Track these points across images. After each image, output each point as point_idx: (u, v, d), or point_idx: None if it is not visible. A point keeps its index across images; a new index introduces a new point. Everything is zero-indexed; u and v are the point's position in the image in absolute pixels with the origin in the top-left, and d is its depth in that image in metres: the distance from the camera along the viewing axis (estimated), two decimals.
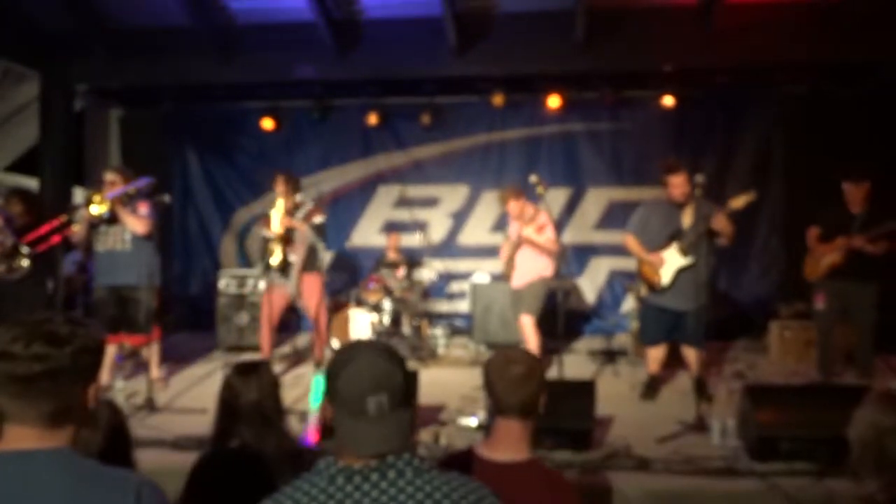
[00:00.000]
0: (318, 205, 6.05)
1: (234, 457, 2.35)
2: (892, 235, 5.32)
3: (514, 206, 5.92)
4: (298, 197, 6.10)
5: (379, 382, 1.44)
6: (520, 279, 5.97)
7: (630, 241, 5.42)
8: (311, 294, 5.94)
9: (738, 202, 4.92)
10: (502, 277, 6.34)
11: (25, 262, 5.49)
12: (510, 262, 6.00)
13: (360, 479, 1.39)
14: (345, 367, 1.47)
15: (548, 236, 5.84)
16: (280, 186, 5.94)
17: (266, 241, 5.94)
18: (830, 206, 5.69)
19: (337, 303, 7.46)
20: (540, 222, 5.84)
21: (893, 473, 1.83)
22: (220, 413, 2.44)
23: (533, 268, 5.90)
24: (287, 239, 5.87)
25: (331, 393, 1.48)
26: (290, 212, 5.87)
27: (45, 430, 1.40)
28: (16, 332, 1.39)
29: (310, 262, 5.93)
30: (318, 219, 5.93)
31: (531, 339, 5.85)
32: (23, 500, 1.34)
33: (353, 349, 1.53)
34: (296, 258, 5.88)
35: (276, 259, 5.85)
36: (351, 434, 1.43)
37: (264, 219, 6.05)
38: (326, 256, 8.64)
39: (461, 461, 1.96)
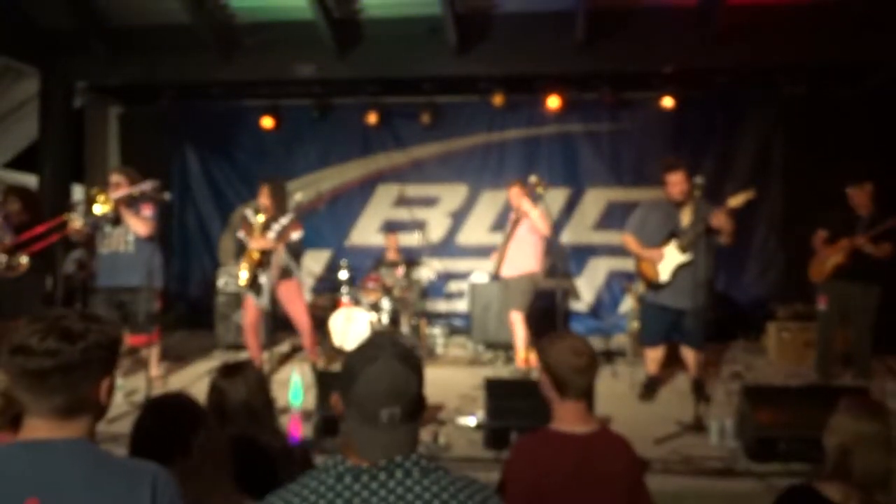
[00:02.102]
0: (296, 219, 5.77)
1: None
2: (891, 234, 5.32)
3: (515, 191, 6.11)
4: (297, 196, 6.05)
5: (395, 394, 1.43)
6: (509, 270, 6.12)
7: (629, 239, 5.43)
8: (291, 299, 5.87)
9: (737, 200, 4.93)
10: (494, 272, 6.40)
11: (24, 260, 5.49)
12: (501, 252, 6.16)
13: (367, 477, 1.40)
14: (364, 368, 1.45)
15: (541, 217, 5.95)
16: (263, 199, 5.71)
17: (242, 245, 5.78)
18: (836, 209, 5.69)
19: (335, 301, 7.46)
20: (539, 211, 6.00)
21: (875, 479, 1.83)
22: (209, 416, 2.44)
23: (522, 261, 6.05)
24: (259, 262, 5.67)
25: (346, 391, 1.47)
26: (268, 225, 5.67)
27: (60, 422, 1.43)
28: (34, 327, 1.42)
29: (283, 273, 5.77)
30: (296, 234, 5.73)
31: (519, 334, 5.95)
32: (40, 488, 1.36)
33: (375, 348, 1.49)
34: (266, 280, 5.66)
35: (243, 279, 5.68)
36: (360, 438, 1.44)
37: (244, 222, 5.84)
38: (323, 256, 8.68)
39: (540, 440, 2.20)
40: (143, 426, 1.99)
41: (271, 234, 5.66)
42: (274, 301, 5.80)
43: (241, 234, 5.83)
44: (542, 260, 6.21)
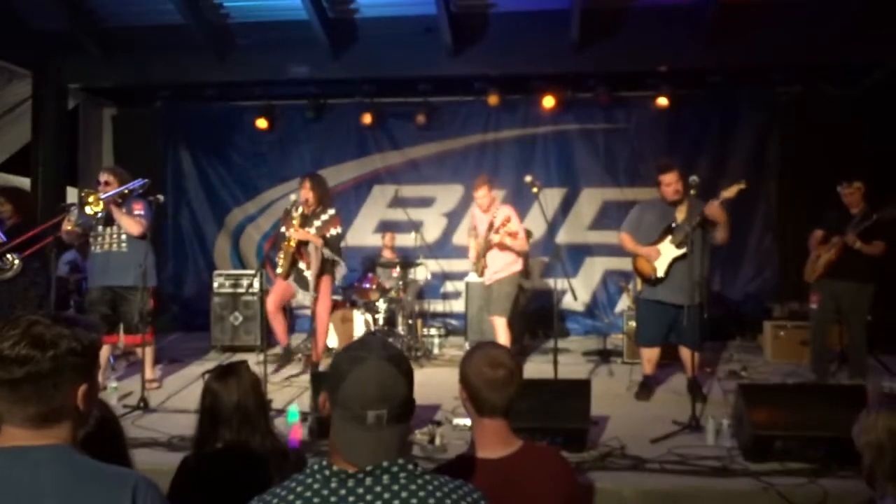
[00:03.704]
0: (336, 216, 5.79)
1: (218, 456, 2.34)
2: (884, 230, 5.32)
3: (482, 193, 5.97)
4: (292, 197, 6.02)
5: (382, 395, 1.41)
6: (491, 276, 6.07)
7: (624, 238, 5.43)
8: (320, 294, 5.89)
9: (730, 192, 4.95)
10: (478, 275, 6.33)
11: (16, 262, 5.46)
12: (481, 261, 6.06)
13: (353, 482, 1.38)
14: (352, 369, 1.43)
15: (521, 240, 5.91)
16: (305, 192, 5.72)
17: (284, 241, 5.81)
18: (829, 208, 5.70)
19: (332, 303, 7.43)
20: (512, 229, 5.83)
21: None
22: (202, 418, 2.43)
23: (502, 264, 6.00)
24: (298, 251, 5.72)
25: (333, 391, 1.45)
26: (308, 220, 5.70)
27: (36, 431, 1.40)
28: (7, 334, 1.38)
29: (323, 268, 5.80)
30: (334, 230, 5.74)
31: (502, 338, 5.92)
32: (18, 497, 1.34)
33: (364, 349, 1.48)
34: (311, 274, 5.67)
35: (280, 269, 5.76)
36: (347, 440, 1.42)
37: (285, 217, 5.90)
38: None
39: (458, 468, 1.94)
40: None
41: (312, 230, 5.69)
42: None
43: (283, 229, 5.85)
44: (521, 258, 6.16)
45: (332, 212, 5.81)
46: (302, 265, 5.79)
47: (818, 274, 5.64)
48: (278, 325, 5.99)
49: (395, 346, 1.56)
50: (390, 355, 1.47)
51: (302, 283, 5.80)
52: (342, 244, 6.01)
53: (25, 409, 1.38)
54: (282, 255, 5.76)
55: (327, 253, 5.71)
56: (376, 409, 1.39)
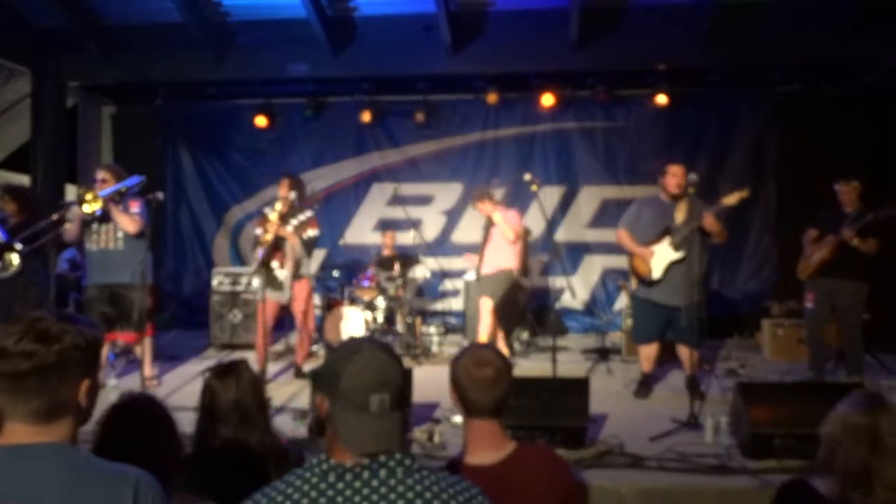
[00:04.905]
0: (314, 217, 5.76)
1: (217, 454, 2.34)
2: (879, 228, 5.34)
3: (479, 206, 6.41)
4: (290, 196, 5.99)
5: (384, 380, 1.46)
6: (487, 268, 6.35)
7: (622, 235, 5.43)
8: (300, 299, 5.85)
9: (732, 199, 4.93)
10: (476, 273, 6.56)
11: (16, 260, 5.45)
12: (480, 256, 6.43)
13: (351, 476, 1.40)
14: (350, 361, 1.47)
15: (514, 223, 6.26)
16: (283, 190, 5.72)
17: (256, 240, 5.79)
18: (826, 207, 5.72)
19: (330, 301, 7.44)
20: (510, 217, 6.28)
21: (853, 475, 1.82)
22: (201, 416, 2.44)
23: (497, 260, 6.30)
24: (275, 247, 5.64)
25: (331, 387, 1.47)
26: (285, 218, 5.65)
27: (39, 426, 1.41)
28: (11, 329, 1.40)
29: (297, 272, 5.74)
30: (311, 232, 5.70)
31: (485, 320, 6.13)
32: (20, 494, 1.34)
33: (356, 343, 1.53)
34: (285, 272, 5.62)
35: (256, 264, 5.64)
36: (349, 429, 1.44)
37: (261, 217, 5.83)
38: (319, 255, 8.68)
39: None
40: (108, 426, 1.97)
41: (289, 228, 5.62)
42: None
43: (258, 231, 5.78)
44: (520, 259, 6.40)
45: (309, 213, 5.73)
46: (274, 263, 5.66)
47: (810, 271, 5.66)
48: (260, 348, 5.63)
49: (383, 341, 1.61)
50: (381, 345, 1.53)
51: (272, 283, 5.66)
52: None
53: (29, 403, 1.40)
54: (259, 250, 5.62)
55: (299, 253, 5.64)
56: (379, 394, 1.43)
